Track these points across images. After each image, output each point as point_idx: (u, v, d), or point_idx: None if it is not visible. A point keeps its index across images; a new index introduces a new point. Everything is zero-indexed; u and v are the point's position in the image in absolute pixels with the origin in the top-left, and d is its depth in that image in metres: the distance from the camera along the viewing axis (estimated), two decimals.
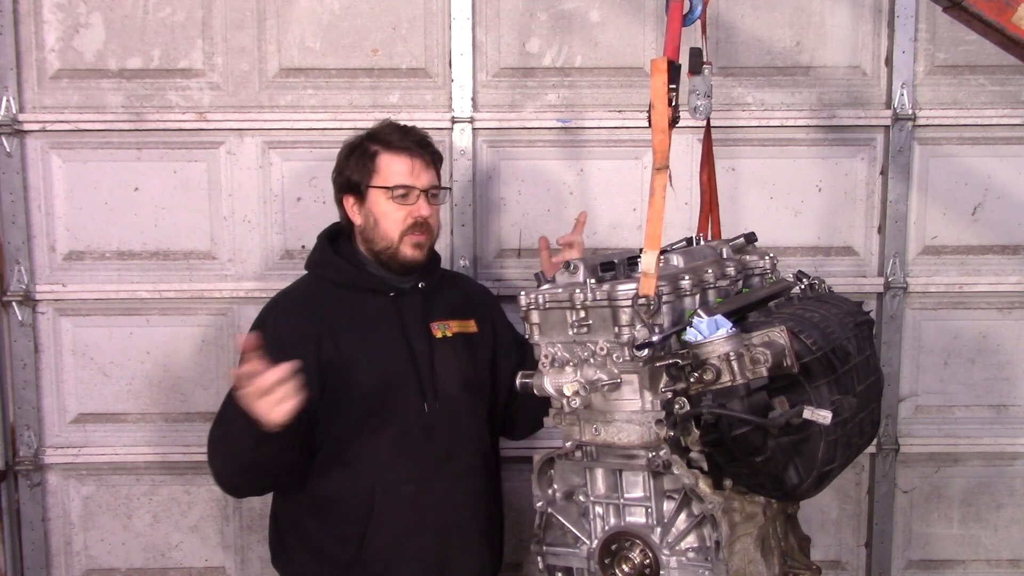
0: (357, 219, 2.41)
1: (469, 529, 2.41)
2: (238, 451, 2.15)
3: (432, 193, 2.38)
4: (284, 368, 1.93)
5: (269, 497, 2.54)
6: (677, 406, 1.59)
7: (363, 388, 2.31)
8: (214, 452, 2.26)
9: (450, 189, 2.47)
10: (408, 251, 2.36)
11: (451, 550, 2.38)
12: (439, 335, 2.40)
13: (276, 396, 1.93)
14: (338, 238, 2.48)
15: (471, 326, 2.47)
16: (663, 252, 1.87)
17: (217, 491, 3.17)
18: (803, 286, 2.13)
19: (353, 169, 2.39)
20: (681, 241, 2.12)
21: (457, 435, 2.38)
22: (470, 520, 2.41)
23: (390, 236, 2.35)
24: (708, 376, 1.56)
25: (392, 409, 2.33)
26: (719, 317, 1.60)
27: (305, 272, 2.51)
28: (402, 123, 2.46)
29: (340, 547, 2.33)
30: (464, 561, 2.40)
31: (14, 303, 3.06)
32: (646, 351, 1.61)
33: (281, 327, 2.33)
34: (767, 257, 2.16)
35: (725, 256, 2.05)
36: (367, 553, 2.31)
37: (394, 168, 2.35)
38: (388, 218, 2.35)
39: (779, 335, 1.61)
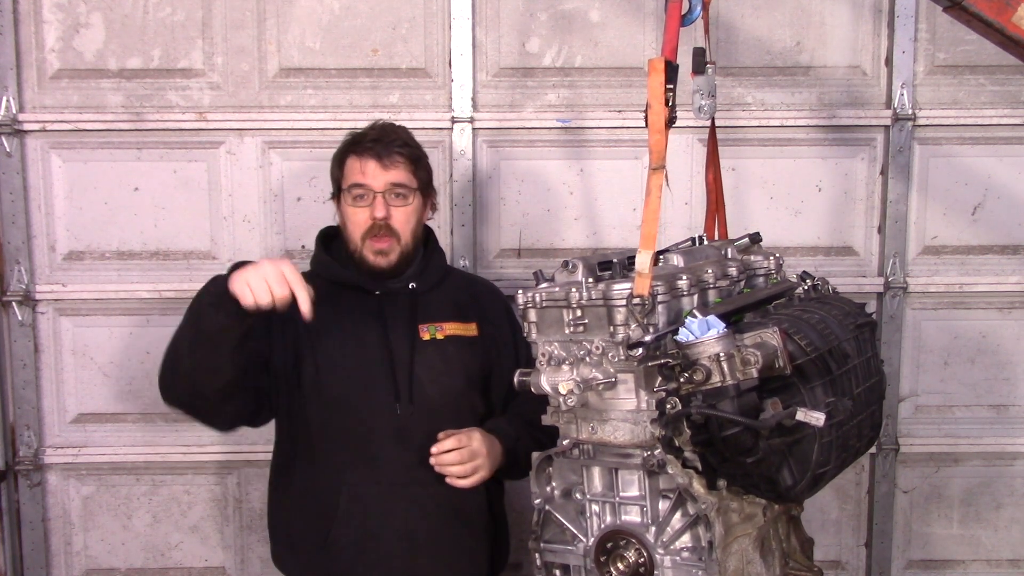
0: (340, 220, 2.39)
1: (442, 538, 2.31)
2: (198, 322, 2.07)
3: (396, 193, 2.28)
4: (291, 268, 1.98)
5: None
6: (669, 406, 1.59)
7: (335, 387, 2.29)
8: (174, 342, 2.14)
9: (418, 189, 2.32)
10: (370, 257, 2.29)
11: (419, 558, 2.30)
12: (427, 337, 2.33)
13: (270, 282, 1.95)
14: (336, 237, 2.45)
15: (471, 329, 2.40)
16: (664, 252, 1.87)
17: (217, 491, 3.21)
18: (807, 287, 2.12)
19: (334, 171, 2.38)
20: (686, 241, 2.11)
21: (434, 441, 2.26)
22: (443, 528, 2.31)
23: (354, 239, 2.31)
24: (698, 376, 1.55)
25: (363, 410, 2.28)
26: (711, 318, 1.59)
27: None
28: (392, 123, 2.40)
29: (308, 541, 2.32)
30: (435, 571, 2.32)
31: (14, 303, 3.07)
32: (639, 350, 1.61)
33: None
34: (772, 257, 2.12)
35: (728, 256, 2.04)
36: (331, 552, 2.29)
37: (353, 169, 2.30)
38: (350, 220, 2.30)
39: (771, 336, 1.60)
